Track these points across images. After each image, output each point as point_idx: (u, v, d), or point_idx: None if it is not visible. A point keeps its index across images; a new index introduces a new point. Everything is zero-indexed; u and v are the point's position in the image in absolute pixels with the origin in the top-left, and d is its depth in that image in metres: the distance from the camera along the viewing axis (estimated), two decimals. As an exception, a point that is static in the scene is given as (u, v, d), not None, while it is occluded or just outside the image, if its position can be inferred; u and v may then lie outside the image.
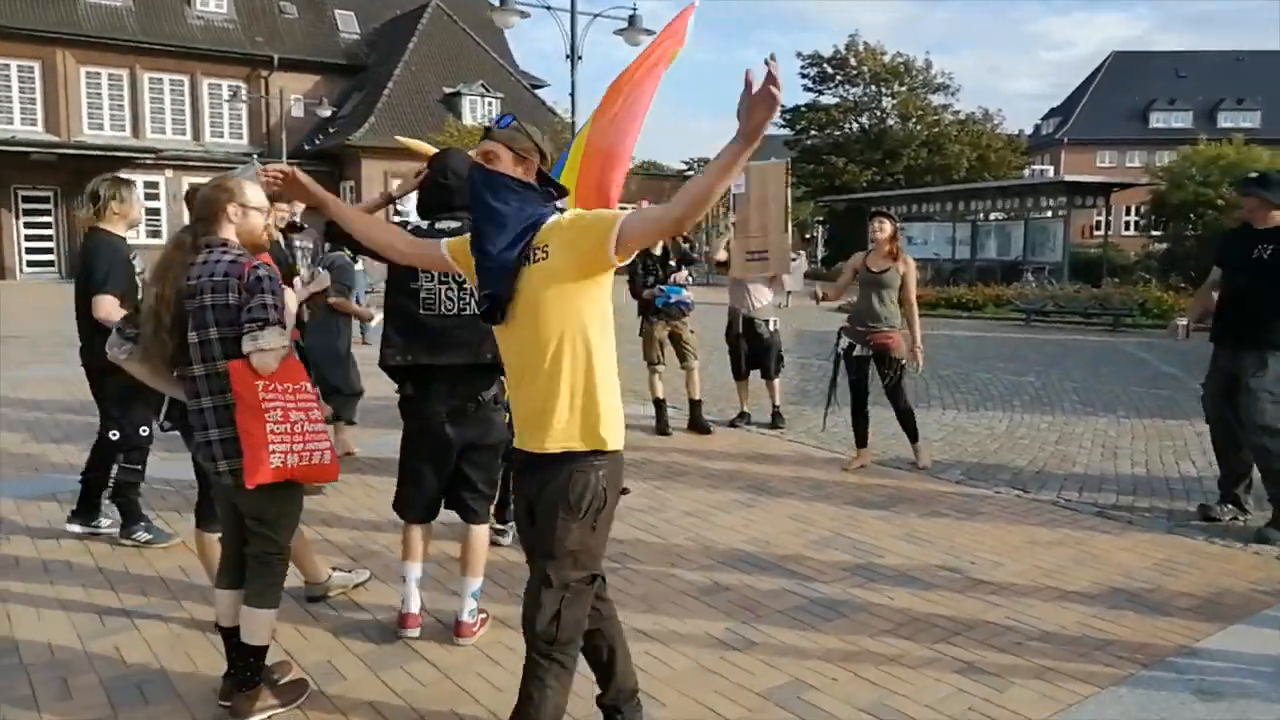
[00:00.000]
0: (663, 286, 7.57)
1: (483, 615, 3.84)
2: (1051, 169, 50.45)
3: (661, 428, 7.66)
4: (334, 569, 4.19)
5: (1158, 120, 58.12)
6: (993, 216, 29.25)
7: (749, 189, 7.67)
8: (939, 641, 3.76)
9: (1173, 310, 15.86)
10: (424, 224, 3.74)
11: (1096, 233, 36.37)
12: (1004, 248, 28.72)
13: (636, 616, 3.95)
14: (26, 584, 4.24)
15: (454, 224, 3.61)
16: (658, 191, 38.95)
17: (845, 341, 6.64)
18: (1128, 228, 51.46)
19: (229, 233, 3.14)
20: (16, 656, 3.53)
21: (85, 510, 4.83)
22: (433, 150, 4.05)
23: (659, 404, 7.75)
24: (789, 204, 7.64)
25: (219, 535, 3.40)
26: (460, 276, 3.20)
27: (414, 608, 3.77)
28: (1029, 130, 57.85)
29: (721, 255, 7.99)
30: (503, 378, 3.08)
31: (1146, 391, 10.02)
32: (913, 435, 6.61)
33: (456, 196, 3.67)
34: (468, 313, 3.61)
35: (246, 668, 3.10)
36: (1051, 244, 26.71)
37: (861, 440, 6.64)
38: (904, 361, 6.48)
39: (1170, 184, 26.46)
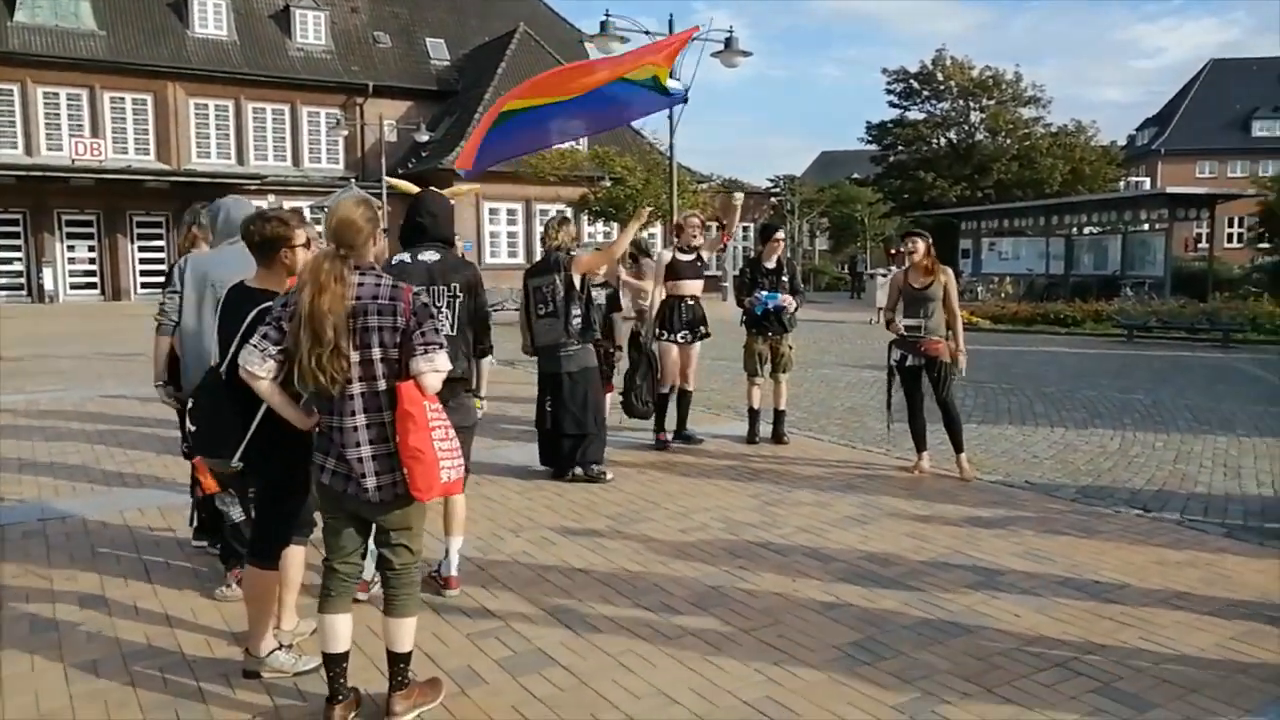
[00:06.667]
0: (761, 293, 7.63)
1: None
2: (1148, 181, 48.98)
3: (750, 436, 7.86)
4: (282, 646, 3.64)
5: (1261, 129, 56.02)
6: (1087, 230, 28.53)
7: None
8: (1071, 660, 3.72)
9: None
10: (406, 256, 4.36)
11: (1200, 246, 35.14)
12: (1100, 262, 27.98)
13: (762, 629, 4.00)
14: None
15: (434, 255, 4.37)
16: (743, 209, 38.97)
17: (897, 354, 6.89)
18: (1229, 240, 49.61)
19: (371, 256, 3.28)
20: (176, 644, 3.76)
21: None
22: (417, 190, 4.64)
23: (752, 413, 7.91)
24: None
25: (274, 569, 3.51)
26: (441, 302, 4.28)
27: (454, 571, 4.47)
28: (1121, 141, 56.27)
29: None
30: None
31: (1266, 410, 9.68)
32: (958, 446, 6.80)
33: (431, 231, 4.43)
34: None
35: (399, 673, 3.25)
36: (1151, 258, 25.93)
37: (921, 444, 6.90)
38: (951, 367, 6.71)
39: (1280, 194, 25.50)
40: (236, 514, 4.21)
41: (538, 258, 6.98)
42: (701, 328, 7.79)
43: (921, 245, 6.74)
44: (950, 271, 6.87)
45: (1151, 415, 9.41)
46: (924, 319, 6.62)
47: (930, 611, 4.22)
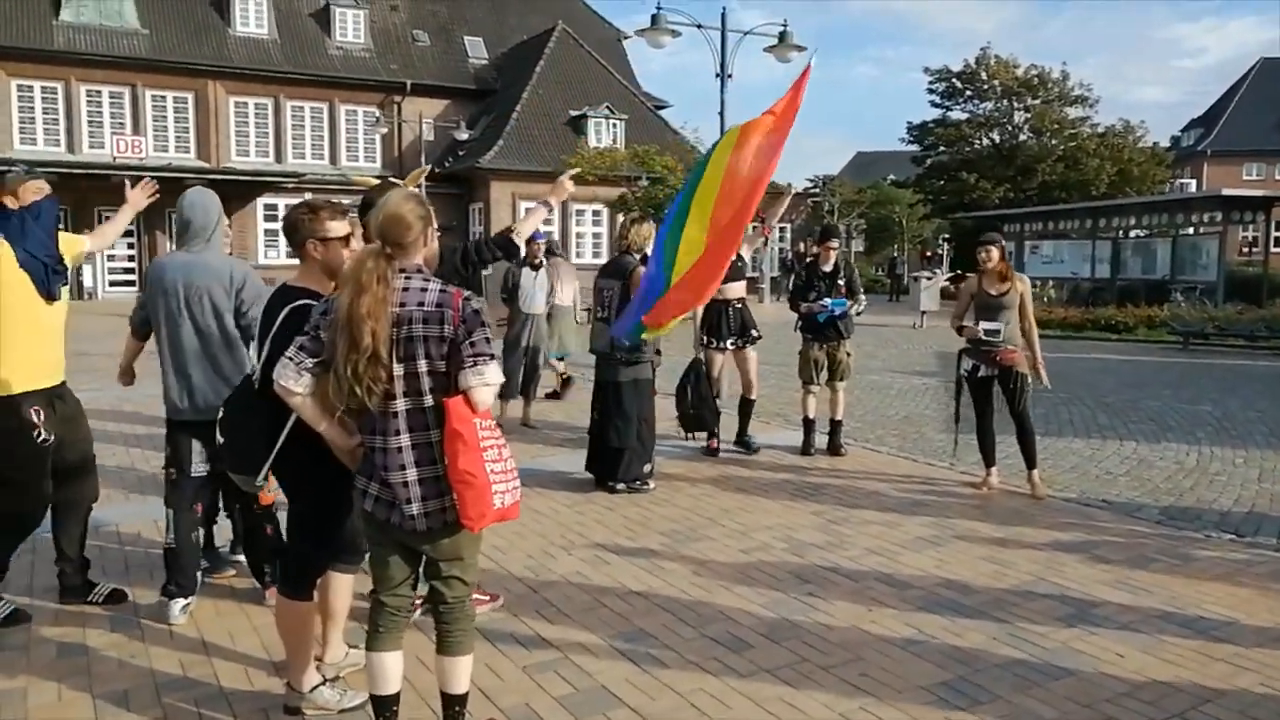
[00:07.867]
0: (827, 301, 7.31)
1: (490, 595, 4.26)
2: (1194, 183, 47.83)
3: (805, 448, 7.53)
4: (326, 680, 3.33)
5: (1312, 130, 54.56)
6: (1135, 233, 27.76)
7: None
8: (1190, 710, 3.36)
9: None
10: None
11: (1254, 250, 34.18)
12: (1148, 266, 27.16)
13: (841, 666, 3.68)
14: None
15: None
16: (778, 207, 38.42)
17: (969, 364, 6.51)
18: (1277, 244, 48.35)
19: (420, 258, 2.92)
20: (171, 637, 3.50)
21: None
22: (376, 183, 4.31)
23: (808, 424, 7.57)
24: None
25: (306, 600, 3.23)
26: None
27: None
28: (1165, 142, 55.11)
29: None
30: None
31: (1346, 424, 9.19)
32: (1031, 462, 6.38)
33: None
34: None
35: (455, 717, 2.96)
36: (1204, 262, 25.10)
37: (990, 460, 6.53)
38: (1029, 378, 6.35)
39: (1340, 197, 24.61)
40: (170, 538, 4.12)
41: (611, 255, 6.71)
42: (753, 331, 7.53)
43: (996, 252, 6.38)
44: (1027, 280, 6.56)
45: (1225, 428, 8.95)
46: (1002, 326, 6.27)
47: (1023, 648, 3.87)
